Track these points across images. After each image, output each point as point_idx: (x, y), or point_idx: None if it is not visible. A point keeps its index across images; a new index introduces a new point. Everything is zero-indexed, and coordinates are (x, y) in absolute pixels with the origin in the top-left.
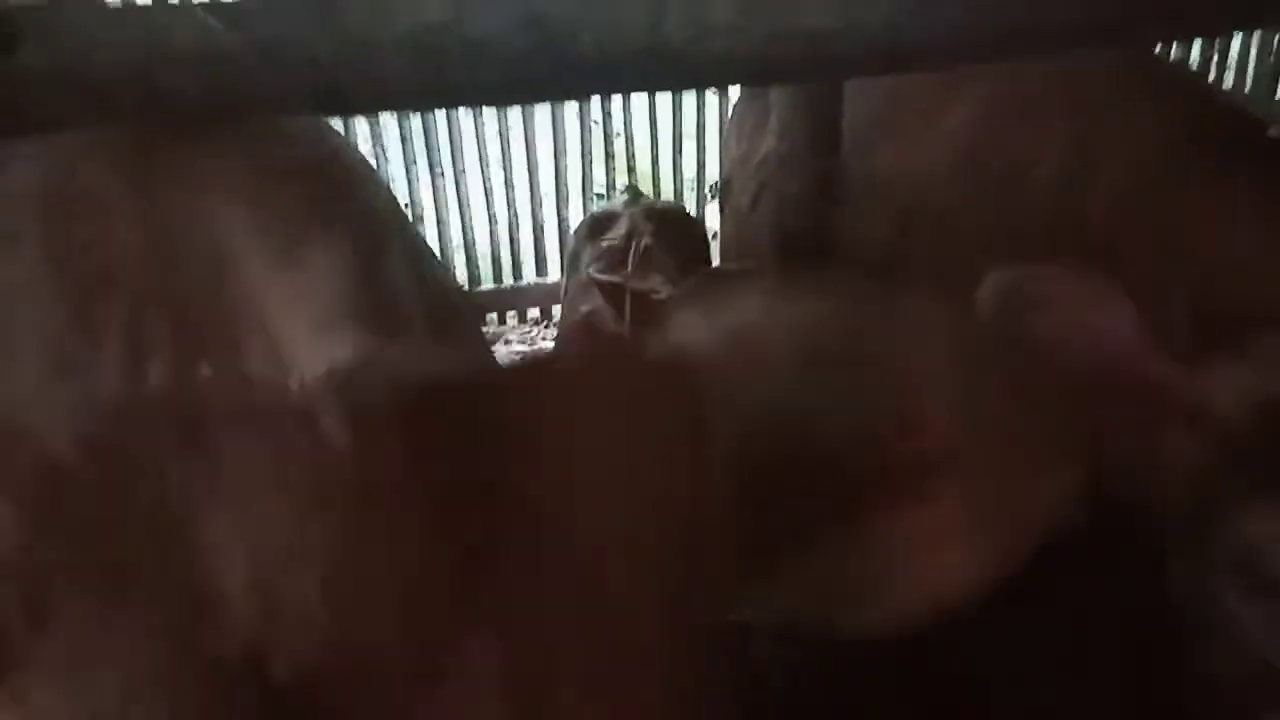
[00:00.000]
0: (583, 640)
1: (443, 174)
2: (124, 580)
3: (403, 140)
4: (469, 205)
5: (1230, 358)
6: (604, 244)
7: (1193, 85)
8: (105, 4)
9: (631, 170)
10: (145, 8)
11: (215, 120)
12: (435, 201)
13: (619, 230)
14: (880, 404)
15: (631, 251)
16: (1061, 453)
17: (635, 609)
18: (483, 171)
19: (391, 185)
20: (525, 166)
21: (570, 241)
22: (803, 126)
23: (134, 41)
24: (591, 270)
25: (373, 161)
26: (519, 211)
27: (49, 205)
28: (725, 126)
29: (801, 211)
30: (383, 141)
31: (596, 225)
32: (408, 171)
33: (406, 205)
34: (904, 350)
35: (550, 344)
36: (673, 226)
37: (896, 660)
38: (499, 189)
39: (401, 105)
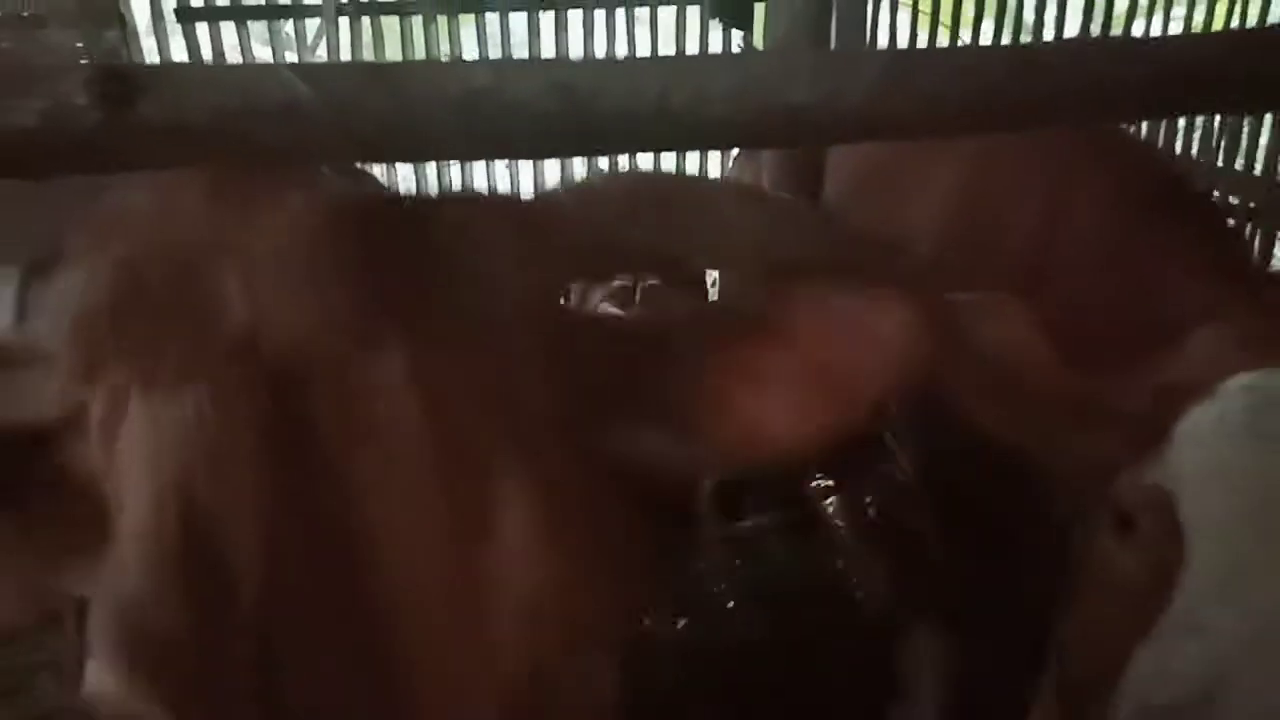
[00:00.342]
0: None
1: None
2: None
3: (431, 178)
4: None
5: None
6: (615, 283)
7: (1144, 151)
8: (205, 63)
9: None
10: (239, 65)
11: (291, 164)
12: None
13: None
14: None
15: (637, 290)
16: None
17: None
18: None
19: None
20: None
21: (578, 284)
22: (789, 183)
23: (229, 95)
24: (601, 306)
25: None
26: None
27: (142, 227)
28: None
29: None
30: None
31: None
32: None
33: None
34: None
35: None
36: None
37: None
38: None
39: (447, 156)
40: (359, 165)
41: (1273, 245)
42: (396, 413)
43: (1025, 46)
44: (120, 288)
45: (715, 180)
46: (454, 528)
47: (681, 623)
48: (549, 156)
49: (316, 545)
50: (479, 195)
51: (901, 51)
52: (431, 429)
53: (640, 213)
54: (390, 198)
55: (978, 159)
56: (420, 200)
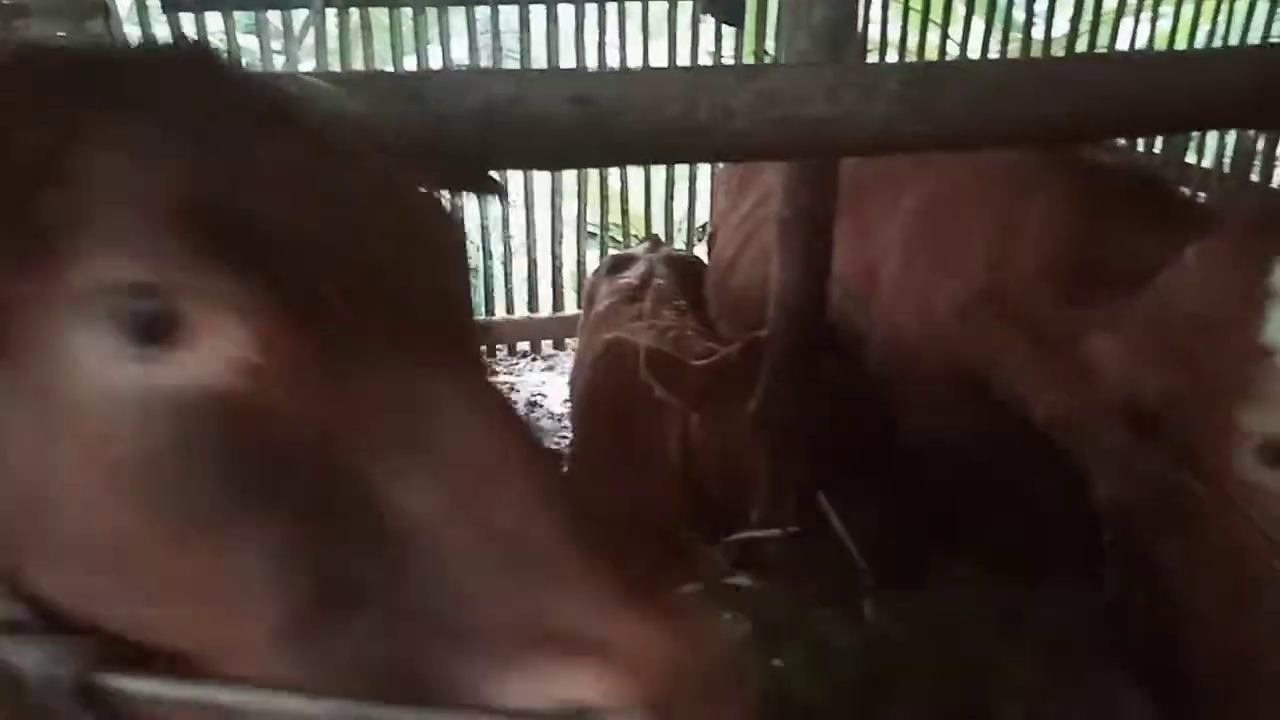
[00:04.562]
0: None
1: None
2: None
3: None
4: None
5: None
6: (620, 281)
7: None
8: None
9: (625, 213)
10: (286, 74)
11: None
12: None
13: (636, 270)
14: None
15: (650, 290)
16: None
17: None
18: (480, 208)
19: None
20: (522, 204)
21: (589, 279)
22: (804, 194)
23: None
24: (608, 303)
25: None
26: (514, 248)
27: None
28: (715, 176)
29: (801, 268)
30: None
31: (615, 265)
32: None
33: None
34: None
35: (534, 376)
36: (680, 268)
37: None
38: (495, 225)
39: (469, 165)
40: None
41: None
42: None
43: (1055, 60)
44: None
45: None
46: None
47: None
48: (569, 168)
49: None
50: None
51: (924, 64)
52: None
53: None
54: None
55: (944, 177)
56: None
